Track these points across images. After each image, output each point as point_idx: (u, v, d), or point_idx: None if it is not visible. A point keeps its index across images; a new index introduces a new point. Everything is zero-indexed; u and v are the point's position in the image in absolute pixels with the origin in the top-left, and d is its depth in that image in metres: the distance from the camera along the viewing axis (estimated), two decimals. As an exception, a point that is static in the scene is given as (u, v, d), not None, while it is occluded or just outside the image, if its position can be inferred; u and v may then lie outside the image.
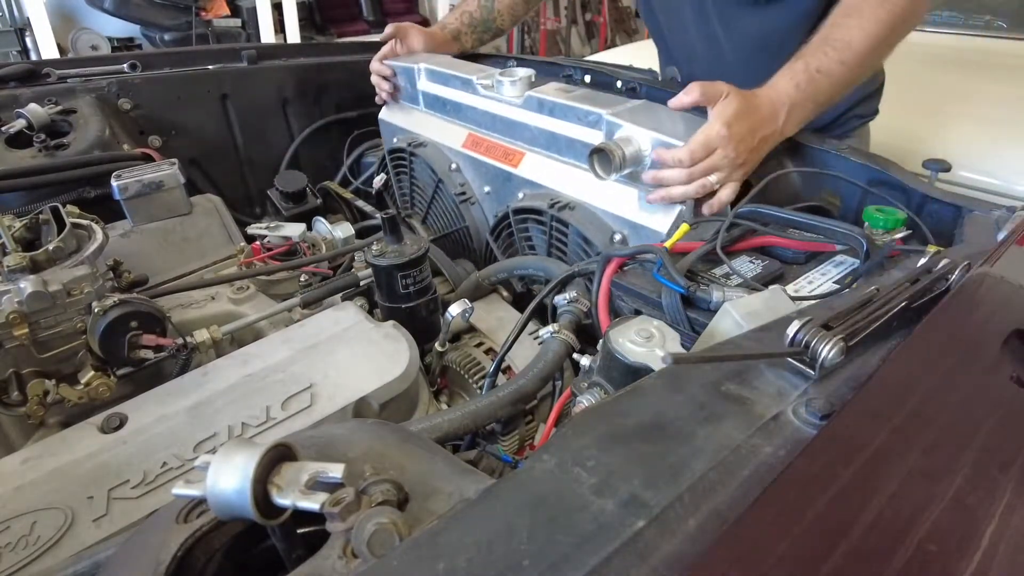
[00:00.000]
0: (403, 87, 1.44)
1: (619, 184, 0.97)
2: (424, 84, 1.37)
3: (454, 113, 1.31)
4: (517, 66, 1.25)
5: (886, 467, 0.39)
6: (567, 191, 1.06)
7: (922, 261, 0.63)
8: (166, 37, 4.20)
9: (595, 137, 0.99)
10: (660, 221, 0.93)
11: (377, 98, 1.51)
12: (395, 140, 1.45)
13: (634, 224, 0.96)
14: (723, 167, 0.88)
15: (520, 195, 1.15)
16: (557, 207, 1.03)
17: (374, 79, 1.48)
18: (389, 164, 1.49)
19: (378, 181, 1.50)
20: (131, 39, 4.37)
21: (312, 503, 0.38)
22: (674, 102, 0.93)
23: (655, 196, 0.92)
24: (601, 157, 0.93)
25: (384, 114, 1.53)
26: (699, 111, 0.92)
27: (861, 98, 1.26)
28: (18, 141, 1.28)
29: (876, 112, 1.32)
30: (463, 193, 1.28)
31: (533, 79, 1.15)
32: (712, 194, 0.91)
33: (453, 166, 1.31)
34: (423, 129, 1.40)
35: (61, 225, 0.92)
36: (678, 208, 0.92)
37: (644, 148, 0.92)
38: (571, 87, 1.13)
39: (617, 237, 0.98)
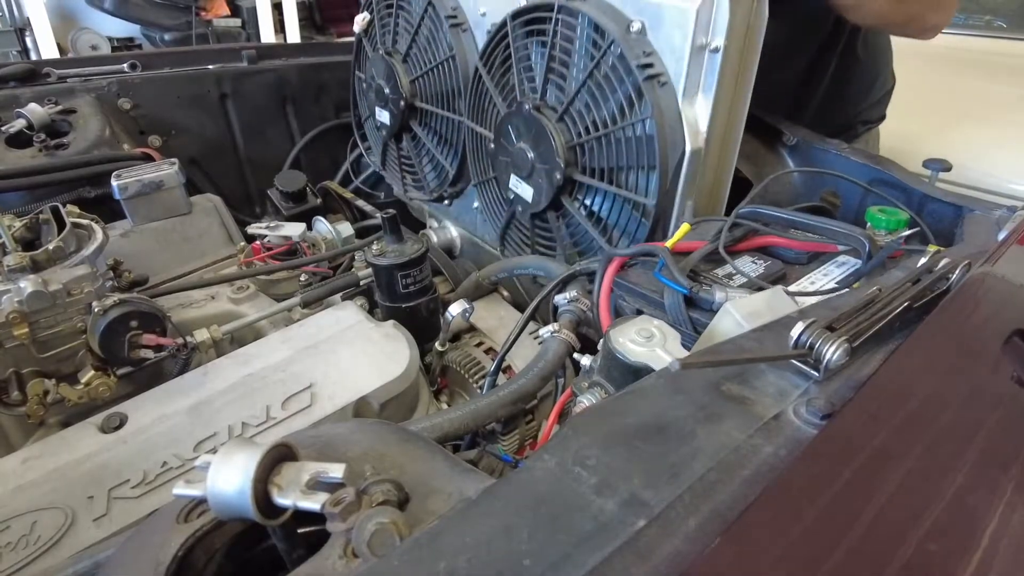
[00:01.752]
0: None
1: None
2: None
3: None
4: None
5: (886, 467, 0.39)
6: None
7: (922, 261, 0.63)
8: (166, 37, 4.21)
9: None
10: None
11: None
12: None
13: (657, 6, 0.83)
14: None
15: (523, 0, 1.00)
16: None
17: None
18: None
19: (360, 20, 1.38)
20: (131, 39, 4.38)
21: (313, 503, 0.38)
22: None
23: None
24: None
25: None
26: None
27: (870, 104, 1.25)
28: (18, 141, 1.29)
29: (883, 117, 1.31)
30: (454, 16, 1.14)
31: None
32: None
33: None
34: None
35: (61, 225, 0.92)
36: None
37: None
38: None
39: (635, 27, 0.86)
